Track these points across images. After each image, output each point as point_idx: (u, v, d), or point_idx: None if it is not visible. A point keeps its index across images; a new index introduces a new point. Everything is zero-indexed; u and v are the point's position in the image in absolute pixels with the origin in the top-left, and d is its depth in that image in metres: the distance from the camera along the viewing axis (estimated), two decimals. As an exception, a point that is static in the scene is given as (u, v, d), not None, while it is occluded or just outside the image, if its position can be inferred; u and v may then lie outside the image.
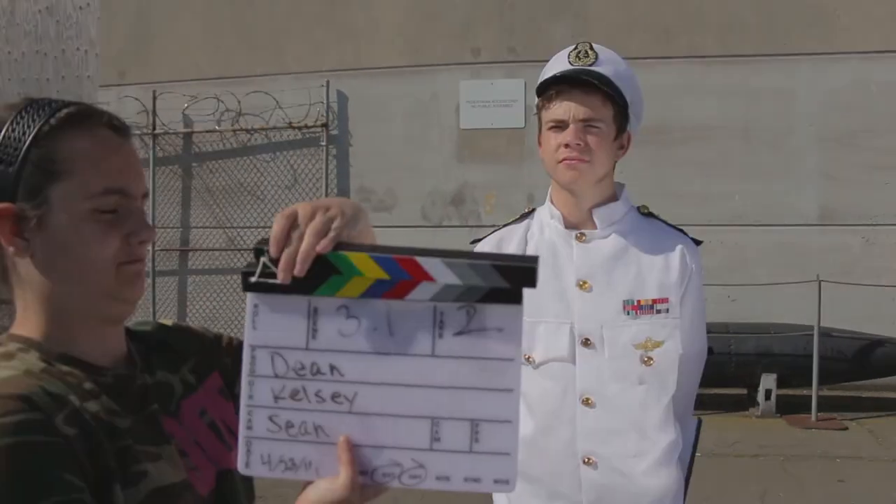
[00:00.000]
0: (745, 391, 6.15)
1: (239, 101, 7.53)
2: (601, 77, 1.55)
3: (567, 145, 1.55)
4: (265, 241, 0.83)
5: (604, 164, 1.59)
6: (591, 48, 1.59)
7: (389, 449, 0.82)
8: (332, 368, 0.83)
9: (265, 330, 0.84)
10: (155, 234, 0.94)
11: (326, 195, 7.48)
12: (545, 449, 1.58)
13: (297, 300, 0.83)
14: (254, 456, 0.84)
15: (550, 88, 1.58)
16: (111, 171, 0.89)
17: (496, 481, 0.81)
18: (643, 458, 1.58)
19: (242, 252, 7.82)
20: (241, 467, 0.85)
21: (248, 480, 0.99)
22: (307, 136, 7.61)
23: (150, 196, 7.83)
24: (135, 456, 0.87)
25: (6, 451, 0.76)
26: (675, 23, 6.98)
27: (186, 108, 7.76)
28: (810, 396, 5.78)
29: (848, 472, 4.78)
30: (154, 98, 7.79)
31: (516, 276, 0.81)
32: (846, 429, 5.64)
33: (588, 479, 1.57)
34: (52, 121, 0.88)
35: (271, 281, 0.82)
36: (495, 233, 1.72)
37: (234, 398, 0.99)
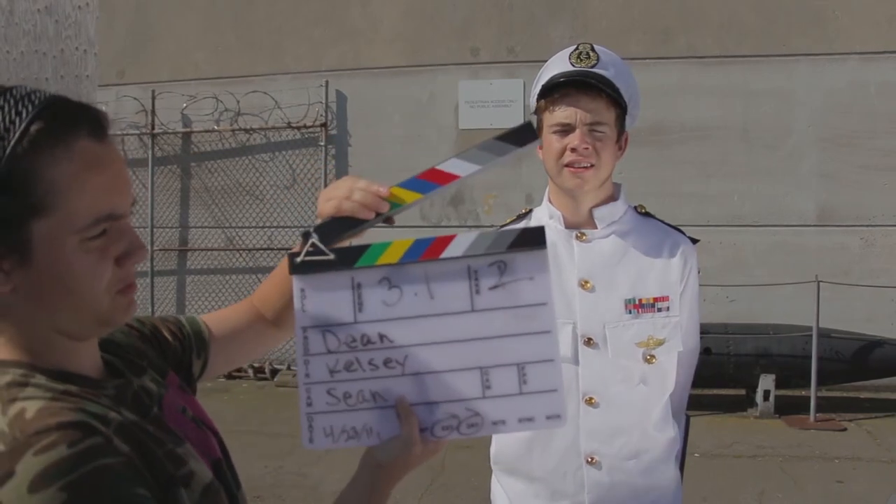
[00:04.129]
0: (743, 392, 6.15)
1: (238, 101, 7.53)
2: (605, 80, 1.55)
3: (574, 149, 1.55)
4: (311, 228, 0.91)
5: (607, 167, 1.60)
6: (593, 49, 1.58)
7: (445, 403, 0.88)
8: (382, 337, 0.88)
9: (313, 311, 0.89)
10: (147, 252, 0.88)
11: (325, 195, 7.47)
12: (548, 448, 1.59)
13: (340, 278, 0.89)
14: (316, 431, 0.89)
15: (555, 91, 1.57)
16: (97, 196, 0.80)
17: (548, 417, 0.87)
18: (645, 455, 1.58)
19: (241, 252, 7.82)
20: (304, 443, 0.90)
21: (233, 469, 1.01)
22: (306, 135, 7.60)
23: (149, 196, 7.87)
24: (180, 458, 0.86)
25: (88, 479, 0.73)
26: (674, 23, 6.98)
27: (185, 107, 7.76)
28: (809, 397, 5.78)
29: (846, 472, 4.78)
30: (153, 98, 7.79)
31: (520, 135, 0.94)
32: (845, 429, 5.64)
33: (591, 478, 1.57)
34: (25, 142, 0.77)
35: (319, 258, 0.89)
36: None
37: (193, 391, 1.01)
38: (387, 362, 0.88)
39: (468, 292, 0.88)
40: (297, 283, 0.90)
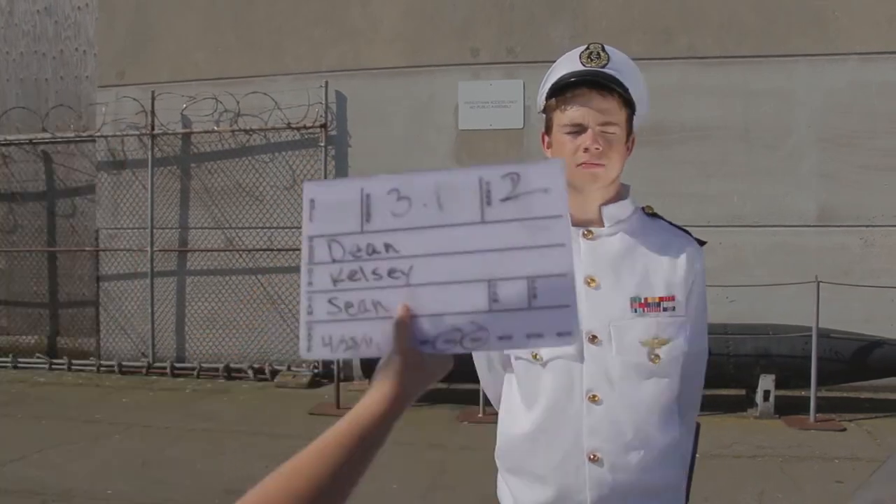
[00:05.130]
0: (743, 392, 6.15)
1: (237, 102, 7.53)
2: (617, 80, 1.55)
3: (586, 149, 1.55)
4: None
5: (617, 167, 1.60)
6: (604, 49, 1.58)
7: (449, 315, 0.85)
8: (388, 247, 0.86)
9: (321, 221, 0.88)
10: None
11: (325, 196, 7.47)
12: (551, 445, 1.59)
13: (350, 188, 0.87)
14: (315, 340, 0.87)
15: (566, 90, 1.57)
16: None
17: (559, 334, 0.83)
18: (648, 454, 1.58)
19: (241, 253, 7.82)
20: (302, 352, 0.88)
21: None
22: (306, 136, 7.61)
23: (149, 197, 7.87)
24: None
25: None
26: (675, 23, 6.98)
27: (185, 108, 7.76)
28: (809, 397, 5.78)
29: (846, 472, 4.78)
30: (153, 98, 7.79)
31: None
32: (844, 430, 5.64)
33: (593, 475, 1.57)
34: None
35: None
36: None
37: None
38: (391, 272, 0.86)
39: (479, 203, 0.85)
40: (307, 192, 0.89)
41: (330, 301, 0.87)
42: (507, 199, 0.85)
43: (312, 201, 0.88)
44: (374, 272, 0.86)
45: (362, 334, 0.87)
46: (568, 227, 0.84)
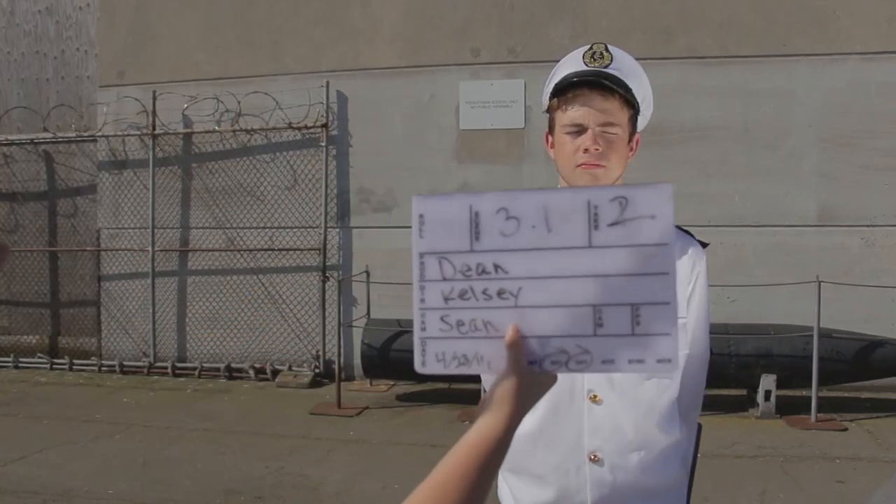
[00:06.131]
0: (744, 392, 6.15)
1: (238, 102, 7.54)
2: (619, 81, 1.54)
3: (586, 150, 1.55)
4: None
5: (619, 167, 1.59)
6: (607, 49, 1.57)
7: (555, 338, 0.87)
8: (497, 267, 0.88)
9: (431, 238, 0.89)
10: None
11: (326, 196, 7.49)
12: (551, 445, 1.59)
13: (459, 206, 0.89)
14: (429, 355, 0.90)
15: (568, 90, 1.57)
16: None
17: (659, 361, 0.85)
18: (648, 455, 1.58)
19: (242, 253, 7.83)
20: (417, 366, 0.90)
21: None
22: (307, 136, 7.61)
23: (150, 197, 7.88)
24: None
25: None
26: (675, 23, 6.98)
27: (186, 108, 7.76)
28: (810, 397, 5.77)
29: (847, 472, 4.78)
30: (154, 98, 7.80)
31: None
32: (846, 430, 5.64)
33: (594, 475, 1.57)
34: None
35: None
36: None
37: None
38: (500, 293, 0.88)
39: (586, 227, 0.86)
40: (416, 206, 0.90)
41: (442, 318, 0.89)
42: (614, 223, 0.86)
43: (422, 216, 0.90)
44: (484, 292, 0.88)
45: (474, 352, 0.89)
46: (672, 256, 0.85)
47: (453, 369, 0.89)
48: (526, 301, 0.87)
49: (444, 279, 0.89)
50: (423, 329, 0.90)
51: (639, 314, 0.85)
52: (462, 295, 0.89)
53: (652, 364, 0.84)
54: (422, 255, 0.90)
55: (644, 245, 0.85)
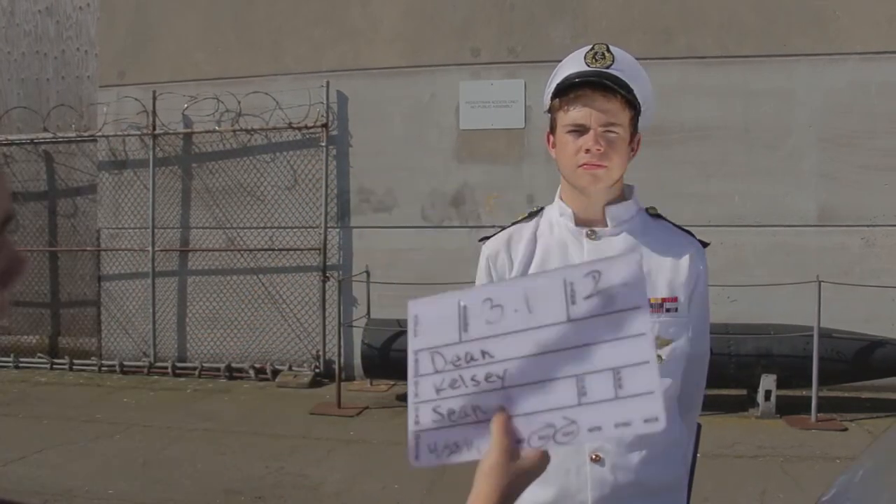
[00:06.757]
0: (744, 392, 6.15)
1: (239, 102, 7.54)
2: (620, 81, 1.55)
3: (588, 150, 1.55)
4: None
5: (620, 168, 1.60)
6: (609, 49, 1.58)
7: (542, 413, 0.89)
8: (483, 353, 0.91)
9: (424, 335, 0.93)
10: (27, 263, 0.68)
11: (326, 196, 7.49)
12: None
13: (449, 302, 0.93)
14: (422, 448, 0.92)
15: (570, 91, 1.57)
16: None
17: (646, 420, 0.85)
18: (649, 454, 1.58)
19: (242, 253, 7.83)
20: (411, 460, 0.92)
21: None
22: (307, 136, 7.61)
23: (150, 197, 7.88)
24: None
25: None
26: (675, 23, 6.98)
27: (186, 108, 7.76)
28: (810, 397, 5.77)
29: (847, 472, 4.78)
30: (154, 98, 7.80)
31: None
32: (846, 430, 5.64)
33: (595, 475, 1.57)
34: None
35: None
36: (504, 231, 1.72)
37: None
38: (488, 377, 0.90)
39: (564, 303, 0.89)
40: (411, 309, 0.94)
41: (434, 409, 0.92)
42: (590, 296, 0.89)
43: (416, 317, 0.94)
44: (472, 378, 0.91)
45: (464, 438, 0.91)
46: (648, 316, 0.88)
47: (445, 459, 0.91)
48: (512, 381, 0.89)
49: (436, 371, 0.92)
50: (417, 423, 0.92)
51: (620, 377, 0.86)
52: (452, 384, 0.91)
53: (639, 425, 0.85)
54: (416, 353, 0.93)
55: (620, 310, 0.87)
